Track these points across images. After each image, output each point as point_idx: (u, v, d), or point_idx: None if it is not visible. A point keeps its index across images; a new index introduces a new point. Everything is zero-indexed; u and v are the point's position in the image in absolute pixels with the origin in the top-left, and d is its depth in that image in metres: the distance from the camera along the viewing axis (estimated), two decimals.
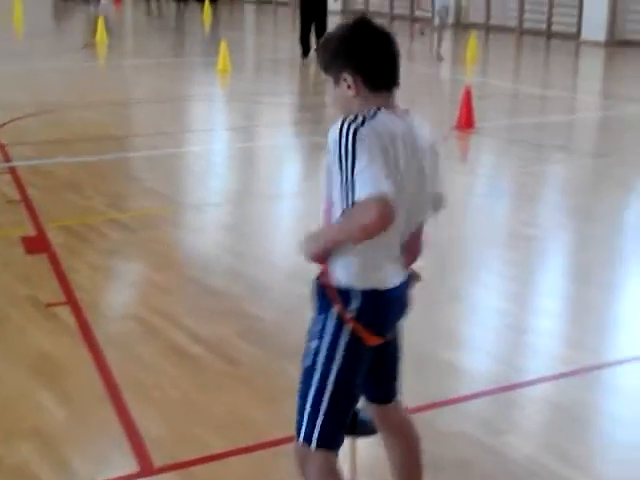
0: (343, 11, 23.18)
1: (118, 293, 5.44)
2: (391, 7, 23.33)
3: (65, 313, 4.79)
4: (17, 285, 5.20)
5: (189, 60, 15.97)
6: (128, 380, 4.00)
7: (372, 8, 23.63)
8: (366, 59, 2.44)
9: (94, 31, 17.63)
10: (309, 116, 10.80)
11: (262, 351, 4.35)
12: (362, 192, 2.28)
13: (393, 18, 22.91)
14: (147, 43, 18.48)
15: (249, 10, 26.07)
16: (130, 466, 3.35)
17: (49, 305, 4.89)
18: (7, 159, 8.09)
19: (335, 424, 2.52)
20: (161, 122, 10.19)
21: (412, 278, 2.65)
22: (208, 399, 3.89)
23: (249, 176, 8.29)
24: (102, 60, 16.13)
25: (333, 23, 15.80)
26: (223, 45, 13.49)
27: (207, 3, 23.75)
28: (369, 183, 2.27)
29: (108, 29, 17.41)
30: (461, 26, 21.02)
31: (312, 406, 2.50)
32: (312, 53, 15.19)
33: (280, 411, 3.62)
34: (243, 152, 9.20)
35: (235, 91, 12.69)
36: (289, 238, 6.17)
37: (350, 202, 2.35)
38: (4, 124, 9.49)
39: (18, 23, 20.04)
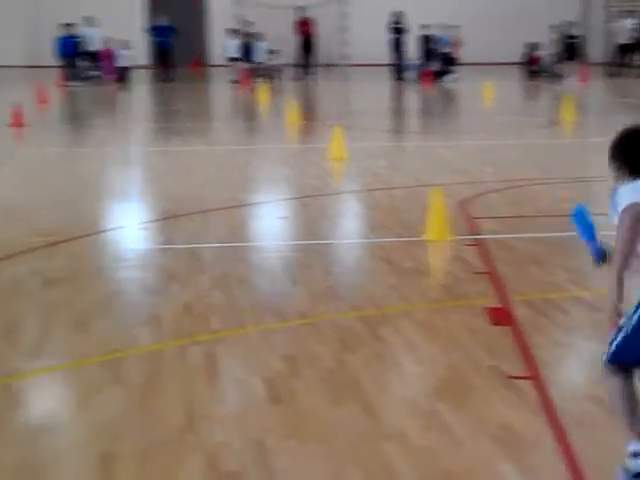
0: None
1: (579, 372, 5.38)
2: None
3: (527, 387, 4.84)
4: (481, 355, 5.36)
5: None
6: (592, 465, 3.93)
7: None
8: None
9: (560, 108, 17.82)
10: None
11: None
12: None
13: None
14: (613, 120, 18.26)
15: None
16: None
17: (511, 377, 4.97)
18: (475, 232, 8.42)
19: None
20: None
21: None
22: None
23: None
24: (567, 137, 16.23)
25: None
26: None
27: None
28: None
29: (574, 106, 17.50)
30: None
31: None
32: None
33: None
34: None
35: None
36: None
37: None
38: (471, 198, 9.90)
39: (488, 101, 20.91)
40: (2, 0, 30.40)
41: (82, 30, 25.24)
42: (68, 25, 25.02)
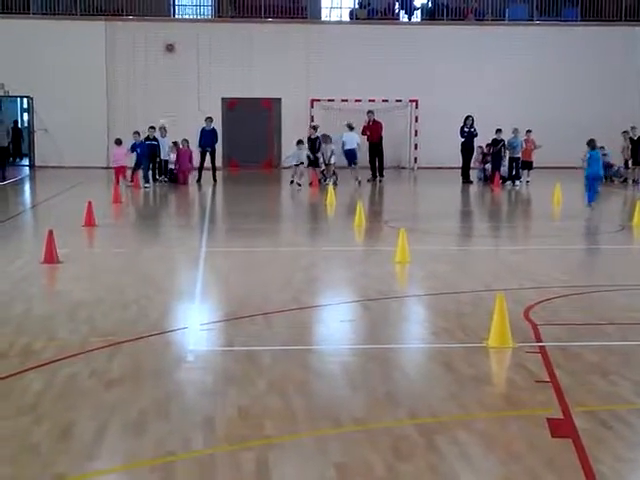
0: None
1: None
2: None
3: None
4: (541, 468, 5.21)
5: None
6: None
7: None
8: None
9: (630, 213, 17.61)
10: None
11: None
12: None
13: None
14: None
15: None
16: None
17: None
18: (538, 339, 8.27)
19: None
20: None
21: None
22: None
23: None
24: (637, 243, 16.00)
25: None
26: None
27: None
28: None
29: None
30: None
31: None
32: None
33: None
34: None
35: None
36: None
37: None
38: (537, 303, 9.76)
39: (557, 205, 20.83)
40: (82, 107, 31.63)
41: (159, 139, 26.01)
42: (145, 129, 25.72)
